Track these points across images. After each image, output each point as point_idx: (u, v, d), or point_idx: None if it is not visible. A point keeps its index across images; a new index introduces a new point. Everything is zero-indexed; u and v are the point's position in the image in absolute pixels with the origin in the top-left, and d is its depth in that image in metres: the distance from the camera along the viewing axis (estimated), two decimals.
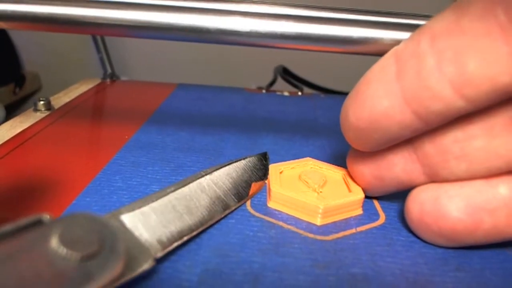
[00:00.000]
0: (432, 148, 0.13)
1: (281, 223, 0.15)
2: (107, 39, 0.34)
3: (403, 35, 0.16)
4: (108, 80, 0.33)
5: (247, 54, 0.50)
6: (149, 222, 0.12)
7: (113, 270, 0.09)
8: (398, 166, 0.14)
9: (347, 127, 0.14)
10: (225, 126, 0.24)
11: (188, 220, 0.13)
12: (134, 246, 0.11)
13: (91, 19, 0.17)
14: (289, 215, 0.15)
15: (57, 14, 0.17)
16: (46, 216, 0.09)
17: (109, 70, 0.34)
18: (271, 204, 0.16)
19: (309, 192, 0.16)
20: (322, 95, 0.35)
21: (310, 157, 0.18)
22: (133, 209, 0.12)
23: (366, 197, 0.16)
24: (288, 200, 0.15)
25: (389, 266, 0.13)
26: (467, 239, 0.13)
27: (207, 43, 0.17)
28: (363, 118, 0.12)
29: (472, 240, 0.13)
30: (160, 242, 0.12)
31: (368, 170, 0.15)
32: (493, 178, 0.13)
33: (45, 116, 0.24)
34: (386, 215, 0.16)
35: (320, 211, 0.14)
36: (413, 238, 0.14)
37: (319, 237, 0.14)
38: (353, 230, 0.14)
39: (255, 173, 0.17)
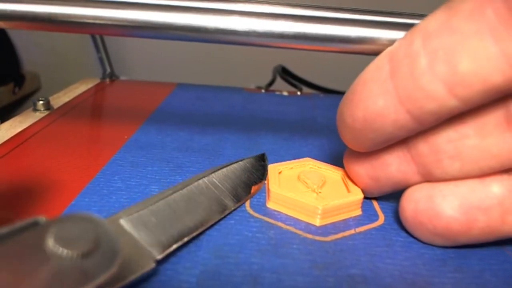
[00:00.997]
0: (426, 147, 0.13)
1: (280, 224, 0.15)
2: (107, 39, 0.34)
3: (401, 34, 0.16)
4: (107, 80, 0.33)
5: (246, 54, 0.50)
6: (148, 225, 0.12)
7: (112, 267, 0.09)
8: (393, 166, 0.14)
9: (343, 127, 0.14)
10: (224, 126, 0.24)
11: (187, 222, 0.13)
12: (134, 249, 0.11)
13: (90, 18, 0.17)
14: (288, 215, 0.15)
15: (56, 14, 0.17)
16: (42, 218, 0.09)
17: (108, 70, 0.34)
18: (270, 205, 0.15)
19: (308, 192, 0.16)
20: (321, 95, 0.35)
21: (309, 157, 0.18)
22: (131, 213, 0.12)
23: (365, 198, 0.16)
24: (287, 201, 0.15)
25: (388, 267, 0.13)
26: (462, 237, 0.13)
27: (206, 43, 0.17)
28: (359, 118, 0.12)
29: (467, 239, 0.13)
30: (160, 244, 0.12)
31: (364, 171, 0.15)
32: (486, 177, 0.13)
33: (45, 116, 0.24)
34: (385, 216, 0.16)
35: (319, 211, 0.14)
36: (412, 239, 0.14)
37: (318, 238, 0.14)
38: (352, 231, 0.14)
39: (253, 174, 0.17)
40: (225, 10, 0.17)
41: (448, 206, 0.13)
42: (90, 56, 0.53)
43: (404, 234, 0.14)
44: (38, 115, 0.24)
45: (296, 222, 0.15)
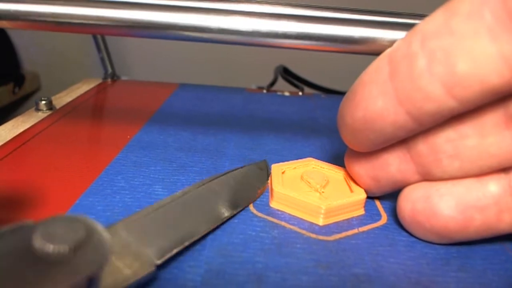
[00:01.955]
0: (425, 147, 0.13)
1: (283, 223, 0.15)
2: (108, 39, 0.34)
3: (403, 34, 0.16)
4: (109, 80, 0.33)
5: (248, 54, 0.50)
6: (148, 231, 0.12)
7: (102, 261, 0.08)
8: (393, 166, 0.14)
9: (343, 128, 0.14)
10: (226, 126, 0.24)
11: (187, 227, 0.13)
12: (133, 255, 0.11)
13: (92, 18, 0.17)
14: (291, 215, 0.15)
15: (57, 14, 0.17)
16: (29, 221, 0.09)
17: (110, 70, 0.34)
18: (273, 204, 0.16)
19: (311, 192, 0.16)
20: (323, 95, 0.35)
21: (311, 157, 0.18)
22: (130, 221, 0.12)
23: (368, 197, 0.16)
24: (290, 200, 0.15)
25: (392, 266, 0.13)
26: (459, 235, 0.13)
27: (208, 43, 0.17)
28: (359, 119, 0.12)
29: (463, 237, 0.13)
30: (159, 249, 0.12)
31: (364, 171, 0.15)
32: (483, 176, 0.13)
33: (47, 116, 0.24)
34: (388, 215, 0.16)
35: (322, 211, 0.14)
36: (415, 239, 0.14)
37: (321, 237, 0.14)
38: (355, 230, 0.14)
39: (254, 181, 0.17)
40: (228, 10, 0.17)
41: (445, 205, 0.13)
42: (91, 56, 0.53)
43: (406, 233, 0.14)
44: (41, 115, 0.24)
45: (299, 221, 0.15)
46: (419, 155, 0.13)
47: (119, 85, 0.33)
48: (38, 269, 0.08)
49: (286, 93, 0.34)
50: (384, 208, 0.16)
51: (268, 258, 0.13)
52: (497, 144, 0.12)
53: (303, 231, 0.14)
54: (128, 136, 0.21)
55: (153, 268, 0.11)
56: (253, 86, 0.36)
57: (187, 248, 0.13)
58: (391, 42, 0.16)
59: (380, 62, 0.12)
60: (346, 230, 0.14)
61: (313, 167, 0.18)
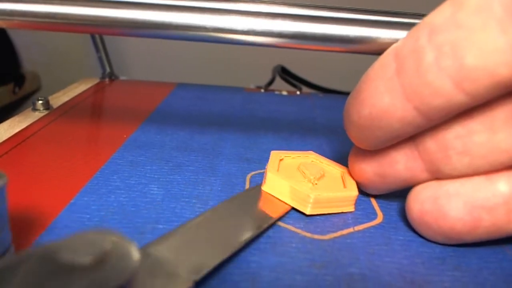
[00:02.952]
0: (434, 144, 0.13)
1: (279, 222, 0.15)
2: (106, 38, 0.34)
3: (401, 33, 0.16)
4: (107, 80, 0.33)
5: (245, 53, 0.50)
6: (181, 250, 0.12)
7: (126, 274, 0.08)
8: (400, 164, 0.14)
9: (349, 126, 0.14)
10: (224, 125, 0.24)
11: (223, 241, 0.13)
12: (167, 274, 0.11)
13: (90, 18, 0.17)
14: (280, 201, 0.15)
15: (56, 14, 0.17)
16: (54, 241, 0.09)
17: (108, 70, 0.34)
18: (265, 188, 0.16)
19: (304, 182, 0.16)
20: (321, 95, 0.35)
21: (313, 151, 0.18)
22: (161, 241, 0.12)
23: (364, 196, 0.16)
24: (282, 186, 0.15)
25: (387, 266, 0.13)
26: (467, 236, 0.13)
27: (205, 42, 0.17)
28: (365, 116, 0.12)
29: (472, 238, 0.13)
30: (195, 266, 0.11)
31: (370, 168, 0.15)
32: (493, 174, 0.12)
33: (44, 115, 0.24)
34: (384, 214, 0.15)
35: (311, 200, 0.15)
36: (411, 238, 0.14)
37: (316, 237, 0.14)
38: (351, 229, 0.14)
39: None
40: (225, 9, 0.17)
41: (453, 206, 0.13)
42: (89, 56, 0.53)
43: (402, 232, 0.14)
44: (37, 115, 0.24)
45: (295, 220, 0.15)
46: (428, 152, 0.13)
47: (117, 84, 0.33)
48: (63, 283, 0.08)
49: (284, 93, 0.33)
50: (380, 207, 0.16)
51: (263, 257, 0.13)
52: (507, 139, 0.12)
53: (298, 230, 0.14)
54: (125, 136, 0.21)
55: (190, 285, 0.11)
56: (251, 86, 0.35)
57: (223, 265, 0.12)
58: (388, 41, 0.16)
59: (386, 58, 0.12)
60: (342, 229, 0.14)
61: (312, 160, 0.18)
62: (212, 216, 0.14)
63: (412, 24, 0.16)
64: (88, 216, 0.14)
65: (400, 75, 0.11)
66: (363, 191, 0.16)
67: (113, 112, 0.26)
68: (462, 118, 0.12)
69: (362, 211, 0.16)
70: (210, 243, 0.12)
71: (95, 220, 0.14)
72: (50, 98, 0.26)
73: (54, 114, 0.24)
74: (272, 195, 0.16)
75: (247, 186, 0.17)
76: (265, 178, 0.16)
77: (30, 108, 0.25)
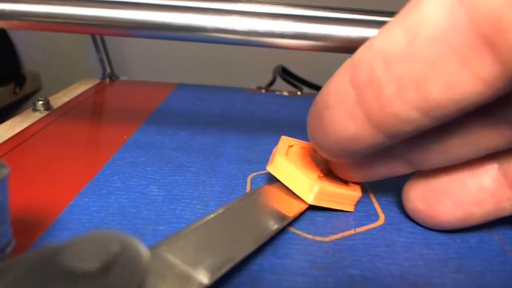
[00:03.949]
0: (411, 151, 0.13)
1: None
2: (107, 39, 0.34)
3: None
4: (107, 80, 0.33)
5: (246, 54, 0.50)
6: (192, 252, 0.11)
7: (135, 281, 0.08)
8: (380, 166, 0.14)
9: (318, 148, 0.13)
10: (225, 126, 0.24)
11: (235, 244, 0.12)
12: (179, 277, 0.10)
13: (90, 18, 0.16)
14: (283, 184, 0.15)
15: (56, 14, 0.16)
16: (58, 242, 0.08)
17: (108, 70, 0.34)
18: (270, 169, 0.16)
19: (310, 171, 0.16)
20: None
21: None
22: (171, 241, 0.11)
23: (367, 197, 0.16)
24: (288, 170, 0.15)
25: (389, 268, 0.13)
26: (464, 225, 0.14)
27: (206, 43, 0.17)
28: (331, 143, 0.12)
29: (470, 225, 0.14)
30: (206, 269, 0.11)
31: (353, 175, 0.15)
32: (476, 170, 0.13)
33: (44, 116, 0.24)
34: (385, 216, 0.15)
35: (316, 190, 0.14)
36: (413, 239, 0.14)
37: (317, 238, 0.14)
38: (352, 231, 0.14)
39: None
40: (225, 10, 0.16)
41: (444, 205, 0.13)
42: (90, 57, 0.53)
43: (404, 234, 0.14)
44: (38, 115, 0.24)
45: (296, 222, 0.15)
46: (405, 155, 0.13)
47: (117, 85, 0.33)
48: None
49: (285, 93, 0.33)
50: (382, 208, 0.16)
51: (264, 259, 0.13)
52: (484, 137, 0.12)
53: (299, 232, 0.14)
54: (125, 136, 0.21)
55: None
56: (252, 86, 0.35)
57: (236, 269, 0.12)
58: None
59: (342, 83, 0.11)
60: (343, 230, 0.14)
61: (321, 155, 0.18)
62: (221, 216, 0.13)
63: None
64: (88, 217, 0.14)
65: (362, 106, 0.11)
66: (365, 193, 0.16)
67: (113, 113, 0.26)
68: (434, 131, 0.12)
69: (363, 213, 0.16)
70: (223, 244, 0.12)
71: (95, 221, 0.14)
72: (50, 98, 0.26)
73: (55, 114, 0.24)
74: (282, 192, 0.15)
75: (248, 187, 0.17)
76: (271, 159, 0.16)
77: (30, 109, 0.25)
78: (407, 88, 0.10)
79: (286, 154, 0.16)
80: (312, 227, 0.14)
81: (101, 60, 0.34)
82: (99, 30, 0.17)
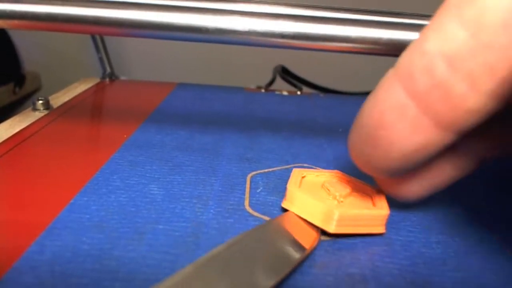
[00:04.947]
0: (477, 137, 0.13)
1: None
2: (107, 39, 0.34)
3: (402, 34, 0.16)
4: (107, 80, 0.33)
5: (246, 53, 0.50)
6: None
7: None
8: (448, 167, 0.14)
9: (373, 173, 0.13)
10: (224, 125, 0.24)
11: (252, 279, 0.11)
12: None
13: (90, 18, 0.17)
14: (302, 218, 0.14)
15: (56, 14, 0.17)
16: None
17: (108, 70, 0.34)
18: (285, 204, 0.15)
19: (328, 199, 0.15)
20: (321, 95, 0.35)
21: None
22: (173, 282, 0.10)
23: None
24: (304, 201, 0.14)
25: (388, 266, 0.13)
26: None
27: (206, 43, 0.17)
28: (395, 159, 0.11)
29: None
30: None
31: (417, 187, 0.14)
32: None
33: (44, 115, 0.24)
34: None
35: (335, 217, 0.13)
36: (412, 238, 0.14)
37: None
38: None
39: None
40: (225, 10, 0.16)
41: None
42: (90, 56, 0.53)
43: (404, 233, 0.14)
44: (38, 115, 0.24)
45: None
46: (471, 147, 0.13)
47: (117, 84, 0.33)
48: None
49: (285, 93, 0.33)
50: None
51: None
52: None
53: None
54: (125, 136, 0.21)
55: None
56: (252, 86, 0.35)
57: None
58: (388, 42, 0.16)
59: (397, 98, 0.11)
60: None
61: (337, 179, 0.16)
62: (230, 252, 0.11)
63: (413, 25, 0.16)
64: (88, 216, 0.14)
65: (427, 113, 0.10)
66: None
67: (113, 112, 0.26)
68: None
69: None
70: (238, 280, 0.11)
71: (95, 220, 0.14)
72: (50, 98, 0.26)
73: (54, 114, 0.24)
74: (296, 219, 0.14)
75: (247, 186, 0.17)
76: (286, 194, 0.15)
77: (30, 108, 0.25)
78: (481, 80, 0.10)
79: (300, 185, 0.15)
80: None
81: (101, 59, 0.34)
82: (98, 30, 0.17)
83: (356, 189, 0.16)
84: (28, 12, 0.17)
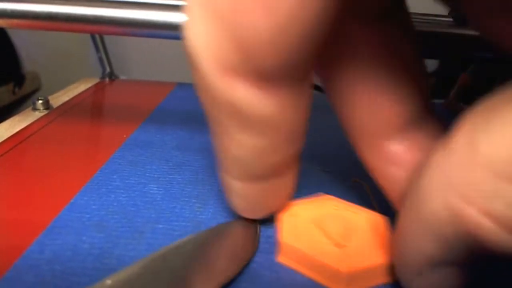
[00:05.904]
0: None
1: None
2: (106, 38, 0.34)
3: None
4: (107, 79, 0.33)
5: None
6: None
7: None
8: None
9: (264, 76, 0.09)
10: None
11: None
12: None
13: (90, 18, 0.17)
14: (306, 276, 0.12)
15: (56, 13, 0.17)
16: None
17: (108, 70, 0.34)
18: (282, 259, 0.12)
19: (329, 246, 0.12)
20: (320, 94, 0.35)
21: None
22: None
23: (367, 198, 0.16)
24: (303, 257, 0.12)
25: None
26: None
27: None
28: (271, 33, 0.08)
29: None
30: None
31: None
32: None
33: (44, 115, 0.24)
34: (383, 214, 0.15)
35: (344, 276, 0.11)
36: None
37: None
38: None
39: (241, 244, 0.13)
40: None
41: None
42: (90, 56, 0.53)
43: None
44: (37, 114, 0.24)
45: None
46: None
47: (117, 84, 0.33)
48: None
49: None
50: (381, 207, 0.16)
51: (263, 257, 0.13)
52: None
53: None
54: (125, 135, 0.21)
55: None
56: None
57: None
58: None
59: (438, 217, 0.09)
60: None
61: (333, 209, 0.14)
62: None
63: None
64: (88, 215, 0.14)
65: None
66: (364, 193, 0.16)
67: (113, 112, 0.26)
68: None
69: None
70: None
71: (95, 219, 0.14)
72: (50, 98, 0.26)
73: (54, 113, 0.24)
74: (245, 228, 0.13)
75: None
76: (279, 246, 0.13)
77: (30, 108, 0.25)
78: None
79: (292, 230, 0.13)
80: None
81: (100, 59, 0.34)
82: (98, 29, 0.17)
83: (355, 221, 0.13)
84: (28, 11, 0.17)
